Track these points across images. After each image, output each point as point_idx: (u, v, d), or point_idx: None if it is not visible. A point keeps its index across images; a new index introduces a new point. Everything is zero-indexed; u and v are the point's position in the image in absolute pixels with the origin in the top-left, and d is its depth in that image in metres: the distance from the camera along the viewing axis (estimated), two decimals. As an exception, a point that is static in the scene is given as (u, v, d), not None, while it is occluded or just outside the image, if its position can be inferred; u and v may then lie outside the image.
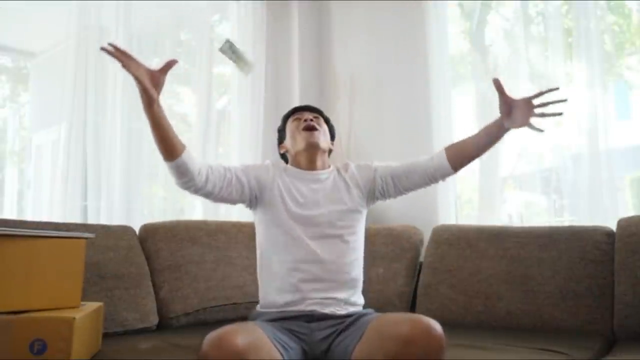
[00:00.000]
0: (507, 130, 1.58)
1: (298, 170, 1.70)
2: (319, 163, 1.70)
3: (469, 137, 1.66)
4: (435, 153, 1.69)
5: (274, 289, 1.59)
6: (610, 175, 2.17)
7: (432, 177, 1.67)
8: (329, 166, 1.74)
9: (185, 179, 1.49)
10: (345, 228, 1.63)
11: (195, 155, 1.52)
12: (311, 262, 1.57)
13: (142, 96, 1.38)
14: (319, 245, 1.58)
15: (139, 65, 1.38)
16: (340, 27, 3.10)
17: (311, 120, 1.70)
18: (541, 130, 1.55)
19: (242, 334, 1.24)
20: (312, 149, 1.68)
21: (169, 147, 1.44)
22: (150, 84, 1.37)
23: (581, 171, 2.26)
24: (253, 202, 1.66)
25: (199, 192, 1.55)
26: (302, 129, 1.68)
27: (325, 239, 1.59)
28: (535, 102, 1.54)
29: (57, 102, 2.39)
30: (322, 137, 1.70)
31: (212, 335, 1.21)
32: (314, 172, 1.69)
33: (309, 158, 1.69)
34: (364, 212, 1.72)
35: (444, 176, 1.68)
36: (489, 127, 1.61)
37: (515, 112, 1.54)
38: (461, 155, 1.64)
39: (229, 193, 1.59)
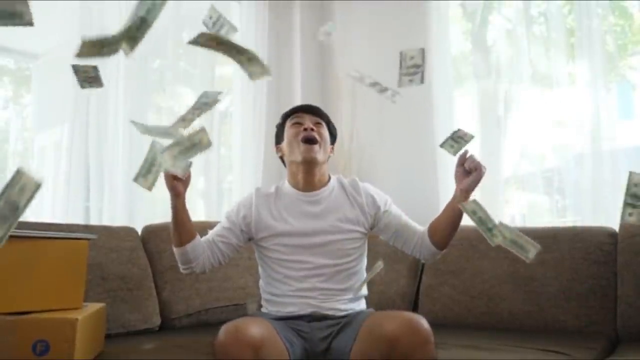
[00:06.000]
0: (460, 198, 1.46)
1: (294, 191, 1.63)
2: (317, 177, 1.62)
3: (439, 215, 1.61)
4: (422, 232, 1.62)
5: (276, 303, 1.59)
6: (613, 176, 2.17)
7: (420, 257, 1.64)
8: (329, 178, 1.67)
9: (186, 266, 1.58)
10: (348, 256, 1.59)
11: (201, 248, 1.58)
12: (311, 290, 1.55)
13: (170, 191, 1.47)
14: (319, 275, 1.56)
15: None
16: (342, 27, 3.09)
17: (312, 129, 1.59)
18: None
19: (257, 326, 1.28)
20: (310, 164, 1.60)
21: (177, 237, 1.54)
22: (176, 183, 1.46)
23: (584, 171, 2.25)
24: (249, 240, 1.66)
25: (203, 273, 1.65)
26: (302, 140, 1.58)
27: (325, 269, 1.56)
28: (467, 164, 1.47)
29: (60, 103, 2.40)
30: (322, 150, 1.60)
31: (228, 326, 1.24)
32: (312, 192, 1.62)
33: (306, 172, 1.61)
34: (366, 236, 1.65)
35: (429, 255, 1.61)
36: (448, 203, 1.56)
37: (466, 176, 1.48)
38: (438, 235, 1.58)
39: (229, 258, 1.65)
